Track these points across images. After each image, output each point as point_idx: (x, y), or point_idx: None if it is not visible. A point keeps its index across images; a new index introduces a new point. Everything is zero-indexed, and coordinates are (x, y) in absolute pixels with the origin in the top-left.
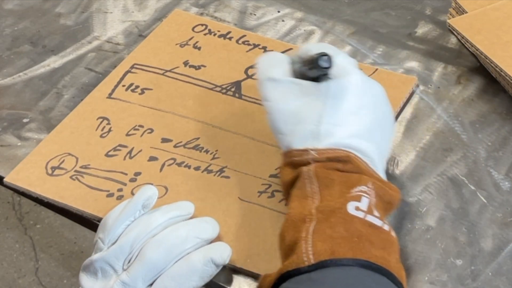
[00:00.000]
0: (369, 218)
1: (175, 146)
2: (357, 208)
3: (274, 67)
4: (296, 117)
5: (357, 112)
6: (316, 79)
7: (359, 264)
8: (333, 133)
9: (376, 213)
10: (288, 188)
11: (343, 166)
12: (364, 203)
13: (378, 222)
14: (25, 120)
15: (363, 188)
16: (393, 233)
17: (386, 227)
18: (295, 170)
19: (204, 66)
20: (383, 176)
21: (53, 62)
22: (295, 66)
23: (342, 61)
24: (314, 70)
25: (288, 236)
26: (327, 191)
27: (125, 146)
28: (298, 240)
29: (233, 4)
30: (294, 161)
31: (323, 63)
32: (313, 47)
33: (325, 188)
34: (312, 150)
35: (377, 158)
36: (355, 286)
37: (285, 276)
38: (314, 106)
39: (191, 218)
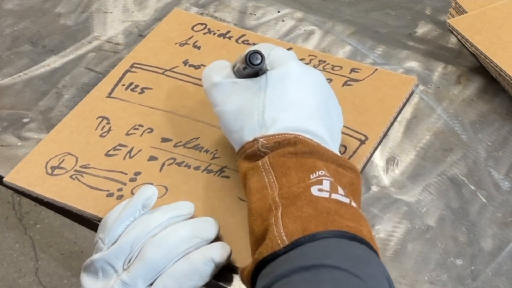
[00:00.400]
0: (335, 196)
1: (175, 146)
2: (321, 190)
3: (216, 74)
4: (242, 112)
5: (300, 96)
6: (256, 76)
7: (333, 235)
8: (279, 119)
9: (341, 191)
10: (246, 182)
11: (294, 148)
12: (326, 185)
13: (345, 199)
14: (25, 120)
15: (322, 172)
16: (361, 211)
17: (353, 204)
18: (251, 163)
19: (204, 66)
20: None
21: (53, 62)
22: (235, 69)
23: (278, 54)
24: (248, 68)
25: (257, 227)
26: (285, 178)
27: (125, 146)
28: (269, 226)
29: (233, 4)
30: (248, 154)
31: (254, 60)
32: (252, 47)
33: (282, 176)
34: (260, 138)
35: (329, 137)
36: (333, 253)
37: (261, 264)
38: (258, 98)
39: (191, 218)
